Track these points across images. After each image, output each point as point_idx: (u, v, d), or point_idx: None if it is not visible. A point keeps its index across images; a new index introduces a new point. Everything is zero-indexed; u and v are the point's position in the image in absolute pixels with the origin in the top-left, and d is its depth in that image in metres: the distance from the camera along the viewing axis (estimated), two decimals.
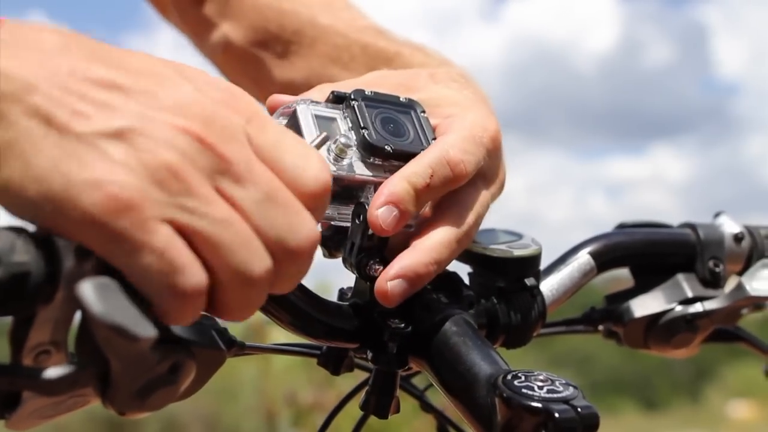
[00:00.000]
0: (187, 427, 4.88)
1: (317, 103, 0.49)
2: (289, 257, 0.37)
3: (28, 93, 0.34)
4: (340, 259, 0.53)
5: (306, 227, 0.38)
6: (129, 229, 0.34)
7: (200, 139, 0.36)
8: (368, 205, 0.48)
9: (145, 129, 0.35)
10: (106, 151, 0.34)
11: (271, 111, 0.50)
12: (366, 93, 0.49)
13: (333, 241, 0.51)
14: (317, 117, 0.48)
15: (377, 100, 0.50)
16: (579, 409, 0.39)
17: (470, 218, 0.49)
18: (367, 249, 0.48)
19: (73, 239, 0.34)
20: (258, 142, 0.38)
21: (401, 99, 0.51)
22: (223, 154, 0.36)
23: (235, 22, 0.73)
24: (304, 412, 2.95)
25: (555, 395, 0.40)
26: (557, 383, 0.41)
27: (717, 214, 0.64)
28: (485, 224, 0.53)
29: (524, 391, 0.40)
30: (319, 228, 0.39)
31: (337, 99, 0.49)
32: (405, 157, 0.48)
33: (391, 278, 0.46)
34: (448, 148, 0.48)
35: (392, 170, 0.48)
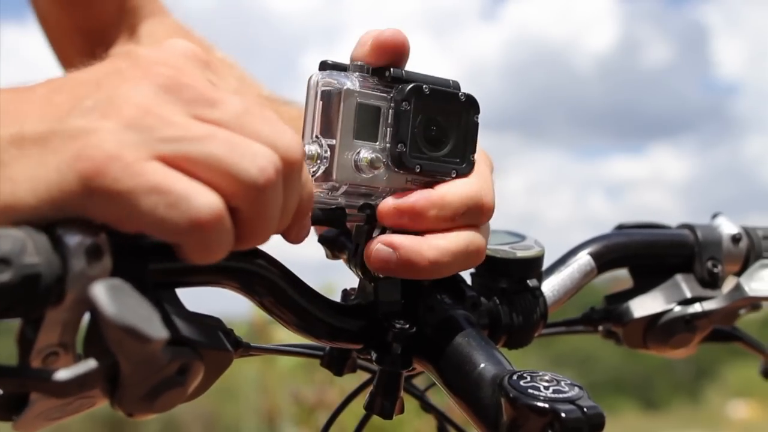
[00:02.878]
0: (187, 426, 4.87)
1: (369, 82, 0.45)
2: (284, 155, 0.37)
3: (2, 127, 0.36)
4: (340, 261, 0.54)
5: (290, 134, 0.38)
6: (119, 180, 0.34)
7: (162, 77, 0.37)
8: (376, 206, 0.47)
9: (105, 95, 0.36)
10: (74, 127, 0.35)
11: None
12: (423, 91, 0.46)
13: (337, 243, 0.51)
14: (361, 106, 0.45)
15: (431, 100, 0.46)
16: (585, 410, 0.39)
17: (481, 243, 0.47)
18: None
19: (91, 217, 0.35)
20: (219, 86, 0.39)
21: (460, 96, 0.48)
22: (187, 84, 0.37)
23: None
24: (306, 412, 2.95)
25: (561, 395, 0.40)
26: (563, 383, 0.41)
27: (715, 215, 0.65)
28: (495, 225, 0.53)
29: (530, 391, 0.40)
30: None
31: (393, 80, 0.46)
32: (432, 175, 0.47)
33: (383, 242, 0.45)
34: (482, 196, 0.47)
35: (413, 181, 0.47)
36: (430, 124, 0.47)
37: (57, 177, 0.34)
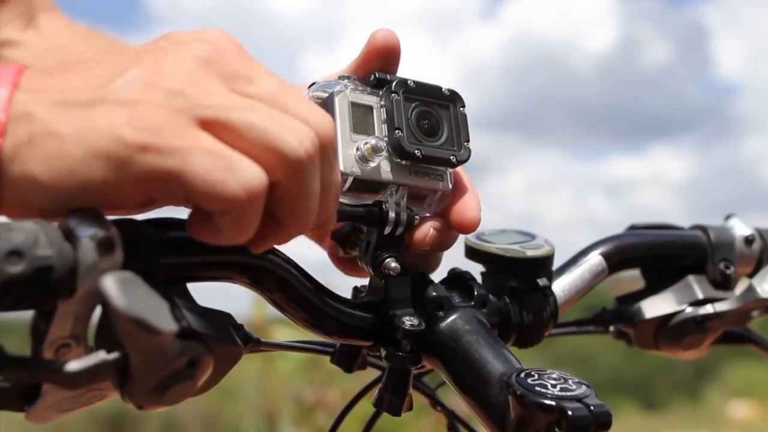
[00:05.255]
0: (187, 426, 4.88)
1: (357, 86, 0.49)
2: (320, 131, 0.38)
3: (45, 94, 0.36)
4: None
5: (322, 112, 0.39)
6: (173, 139, 0.35)
7: (203, 51, 0.38)
8: (386, 204, 0.48)
9: (149, 66, 0.37)
10: (123, 96, 0.36)
11: None
12: (408, 84, 0.49)
13: (348, 240, 0.51)
14: (353, 105, 0.48)
15: (417, 93, 0.49)
16: (592, 408, 0.40)
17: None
18: (383, 248, 0.48)
19: (131, 185, 0.35)
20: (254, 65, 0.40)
21: (444, 90, 0.50)
22: (227, 60, 0.38)
23: None
24: (306, 412, 2.95)
25: (568, 393, 0.40)
26: (570, 381, 0.41)
27: (728, 217, 0.64)
28: (497, 225, 0.53)
29: (538, 389, 0.40)
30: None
31: (379, 83, 0.49)
32: (433, 161, 0.49)
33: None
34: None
35: (417, 172, 0.48)
36: (422, 117, 0.49)
37: (109, 134, 0.35)
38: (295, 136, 0.37)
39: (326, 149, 0.39)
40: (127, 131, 0.35)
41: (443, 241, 0.51)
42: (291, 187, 0.38)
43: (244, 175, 0.36)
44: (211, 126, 0.36)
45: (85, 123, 0.35)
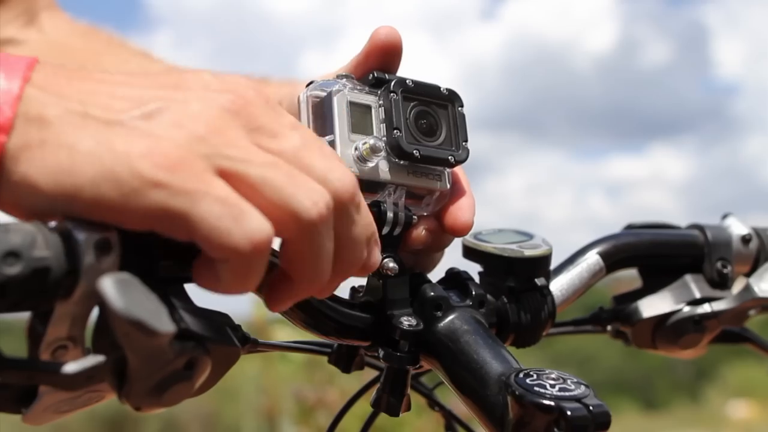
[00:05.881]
0: (187, 426, 4.88)
1: (355, 86, 0.48)
2: (337, 193, 0.38)
3: (61, 99, 0.36)
4: None
5: (344, 169, 0.39)
6: (188, 181, 0.35)
7: (231, 102, 0.38)
8: (384, 204, 0.48)
9: (177, 105, 0.37)
10: (146, 128, 0.36)
11: None
12: (407, 84, 0.49)
13: None
14: (352, 104, 0.47)
15: (416, 92, 0.49)
16: (591, 408, 0.40)
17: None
18: (381, 248, 0.48)
19: (136, 214, 0.35)
20: (279, 118, 0.39)
21: (442, 90, 0.50)
22: (254, 113, 0.38)
23: None
24: (306, 411, 2.95)
25: (567, 393, 0.40)
26: (569, 382, 0.41)
27: (725, 216, 0.64)
28: (495, 225, 0.54)
29: (536, 389, 0.40)
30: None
31: (377, 82, 0.49)
32: (431, 161, 0.49)
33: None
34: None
35: (415, 172, 0.49)
36: (421, 116, 0.49)
37: (125, 162, 0.34)
38: (310, 197, 0.37)
39: (346, 206, 0.39)
40: (144, 164, 0.34)
41: (436, 242, 0.51)
42: (301, 247, 0.38)
43: (250, 226, 0.35)
44: (228, 176, 0.36)
45: (103, 144, 0.35)
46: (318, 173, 0.38)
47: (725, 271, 0.61)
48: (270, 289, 0.41)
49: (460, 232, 0.51)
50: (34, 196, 0.35)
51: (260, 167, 0.37)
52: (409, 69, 0.52)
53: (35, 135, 0.34)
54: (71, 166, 0.34)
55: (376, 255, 0.42)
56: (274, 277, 0.40)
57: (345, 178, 0.39)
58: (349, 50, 0.50)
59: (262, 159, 0.37)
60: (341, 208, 0.39)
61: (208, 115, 0.37)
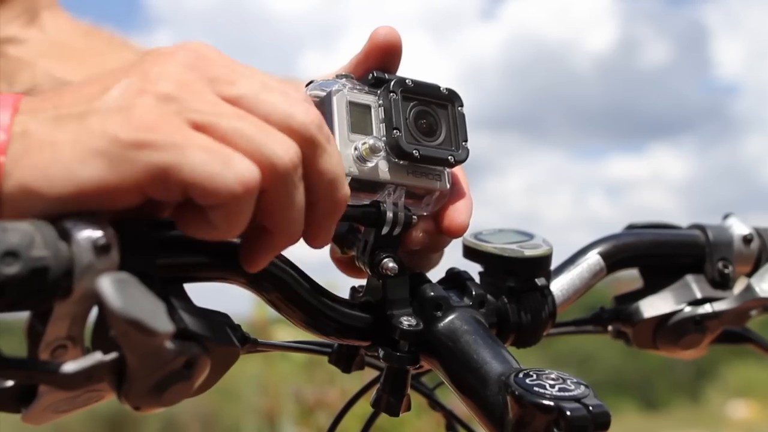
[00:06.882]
0: (187, 426, 4.88)
1: (355, 85, 0.48)
2: (304, 136, 0.39)
3: (41, 113, 0.37)
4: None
5: (305, 105, 0.40)
6: (168, 136, 0.36)
7: (186, 58, 0.39)
8: (384, 204, 0.48)
9: (137, 76, 0.38)
10: (114, 104, 0.37)
11: None
12: (407, 83, 0.49)
13: (346, 240, 0.51)
14: (351, 104, 0.47)
15: (416, 92, 0.49)
16: (590, 408, 0.39)
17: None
18: (380, 248, 0.48)
19: (129, 182, 0.36)
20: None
21: (442, 90, 0.50)
22: (210, 63, 0.39)
23: None
24: (306, 411, 2.95)
25: (567, 393, 0.40)
26: (569, 382, 0.41)
27: (726, 216, 0.64)
28: (494, 225, 0.53)
29: (536, 389, 0.40)
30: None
31: (377, 82, 0.49)
32: (431, 161, 0.49)
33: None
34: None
35: (415, 172, 0.48)
36: (420, 116, 0.49)
37: (104, 136, 0.36)
38: (281, 144, 0.38)
39: (315, 140, 0.39)
40: (123, 130, 0.36)
41: (434, 242, 0.51)
42: (277, 195, 0.38)
43: (240, 168, 0.36)
44: (202, 129, 0.37)
45: (80, 130, 0.36)
46: (280, 112, 0.39)
47: (726, 271, 0.61)
48: (248, 245, 0.41)
49: (456, 233, 0.51)
50: (34, 201, 0.35)
51: (229, 118, 0.38)
52: (408, 69, 0.52)
53: (20, 147, 0.36)
54: (56, 157, 0.35)
55: (346, 188, 0.42)
56: (250, 234, 0.40)
57: (309, 112, 0.40)
58: (348, 50, 0.50)
59: (229, 110, 0.38)
60: (310, 144, 0.39)
61: (167, 74, 0.38)
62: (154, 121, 0.36)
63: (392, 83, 0.48)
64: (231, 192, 0.36)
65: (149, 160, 0.35)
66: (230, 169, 0.36)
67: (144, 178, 0.36)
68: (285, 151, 0.38)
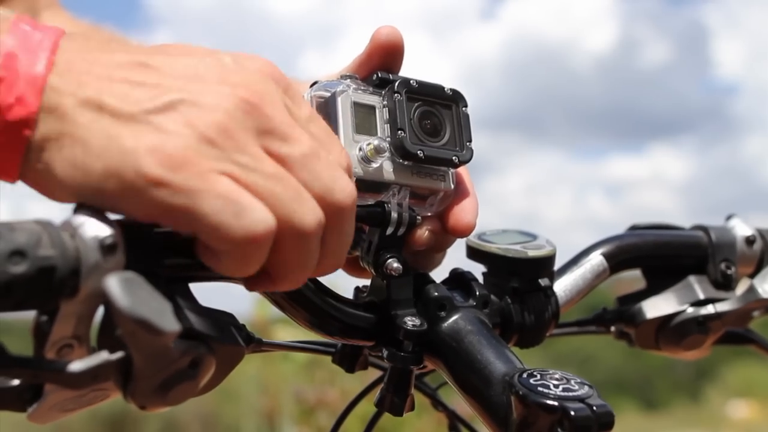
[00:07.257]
0: (187, 426, 4.88)
1: (359, 86, 0.49)
2: (335, 210, 0.39)
3: (79, 87, 0.37)
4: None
5: (346, 181, 0.40)
6: (190, 180, 0.36)
7: (245, 101, 0.38)
8: (388, 204, 0.48)
9: (191, 98, 0.37)
10: (157, 123, 0.36)
11: None
12: (411, 84, 0.49)
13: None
14: (356, 105, 0.48)
15: (420, 93, 0.49)
16: (594, 408, 0.40)
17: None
18: (385, 248, 0.48)
19: (140, 208, 0.36)
20: (294, 114, 0.40)
21: (446, 90, 0.51)
22: (267, 114, 0.38)
23: None
24: (306, 412, 2.95)
25: (571, 394, 0.40)
26: (572, 382, 0.41)
27: (729, 217, 0.64)
28: (498, 226, 0.54)
29: (540, 389, 0.40)
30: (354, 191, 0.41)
31: (381, 82, 0.49)
32: (435, 162, 0.49)
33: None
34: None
35: (419, 173, 0.49)
36: (425, 117, 0.49)
37: (130, 160, 0.35)
38: (313, 213, 0.38)
39: (340, 218, 0.40)
40: (149, 162, 0.35)
41: (439, 242, 0.51)
42: (289, 255, 0.39)
43: (252, 219, 0.36)
44: (233, 179, 0.37)
45: (113, 139, 0.36)
46: (321, 186, 0.39)
47: (729, 272, 0.61)
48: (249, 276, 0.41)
49: (463, 233, 0.51)
50: (55, 185, 0.36)
51: (266, 179, 0.37)
52: (408, 69, 0.52)
53: (53, 127, 0.36)
54: (83, 161, 0.36)
55: (344, 257, 0.42)
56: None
57: (346, 190, 0.40)
58: (348, 50, 0.50)
59: (270, 170, 0.38)
60: (335, 220, 0.40)
61: (220, 115, 0.37)
62: (184, 160, 0.36)
63: (397, 84, 0.48)
64: (235, 242, 0.36)
65: (163, 199, 0.36)
66: (239, 221, 0.36)
67: (155, 212, 0.36)
68: (312, 218, 0.38)
